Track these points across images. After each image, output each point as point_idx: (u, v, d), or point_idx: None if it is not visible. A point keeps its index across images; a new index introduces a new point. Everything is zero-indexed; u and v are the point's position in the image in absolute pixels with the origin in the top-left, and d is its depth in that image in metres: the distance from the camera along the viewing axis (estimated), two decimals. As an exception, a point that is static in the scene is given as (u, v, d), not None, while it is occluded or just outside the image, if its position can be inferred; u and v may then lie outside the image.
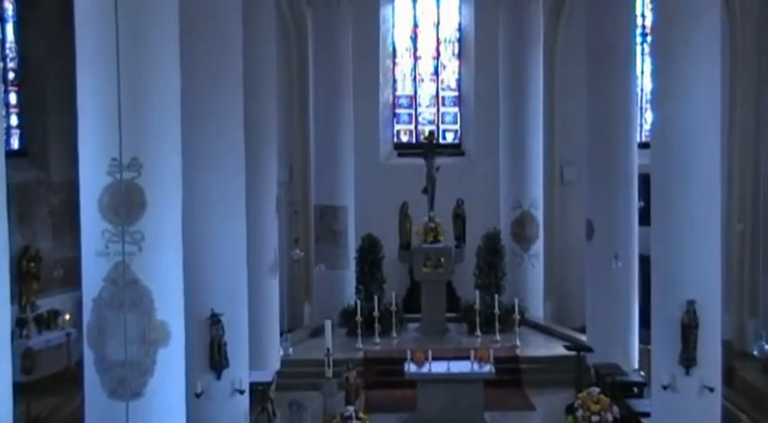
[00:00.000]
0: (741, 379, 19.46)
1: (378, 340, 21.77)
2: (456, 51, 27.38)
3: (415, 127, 27.46)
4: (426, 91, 27.50)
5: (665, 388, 15.19)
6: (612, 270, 19.61)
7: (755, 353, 20.30)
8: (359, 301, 22.20)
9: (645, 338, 18.67)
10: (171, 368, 11.36)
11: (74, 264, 13.75)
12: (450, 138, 27.46)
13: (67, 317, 20.05)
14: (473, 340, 21.88)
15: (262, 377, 17.85)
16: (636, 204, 20.16)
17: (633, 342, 20.23)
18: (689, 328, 14.93)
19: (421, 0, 27.29)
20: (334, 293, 23.62)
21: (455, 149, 26.85)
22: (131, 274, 10.89)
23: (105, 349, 11.01)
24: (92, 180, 11.05)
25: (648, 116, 23.02)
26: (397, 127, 27.49)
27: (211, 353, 14.68)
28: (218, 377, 14.82)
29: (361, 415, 16.38)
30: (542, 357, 21.07)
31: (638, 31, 23.15)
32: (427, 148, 23.68)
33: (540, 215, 24.77)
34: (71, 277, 17.75)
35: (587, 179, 21.15)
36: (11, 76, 21.07)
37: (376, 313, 21.77)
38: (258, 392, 17.46)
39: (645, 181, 17.86)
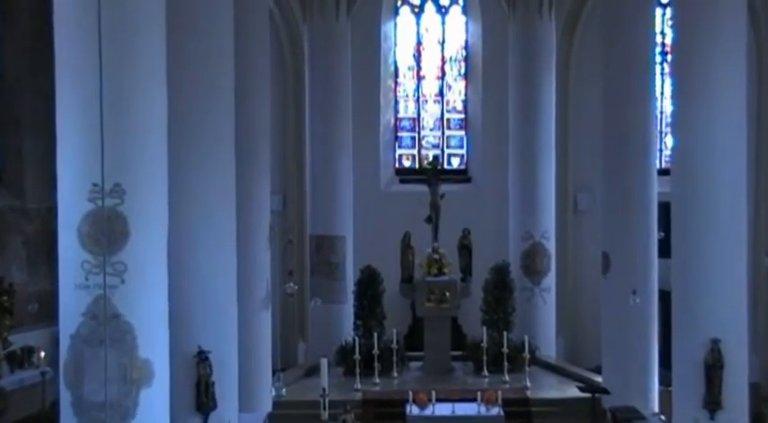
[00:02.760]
0: (769, 424, 19.39)
1: (377, 380, 21.68)
2: (462, 71, 27.46)
3: (419, 151, 27.49)
4: (430, 113, 27.56)
5: (687, 433, 15.14)
6: (630, 306, 19.53)
7: (785, 396, 20.25)
8: (357, 338, 22.13)
9: (665, 380, 18.58)
10: (154, 410, 11.30)
11: (50, 297, 13.72)
12: (455, 163, 27.49)
13: (43, 354, 19.94)
14: (480, 381, 21.79)
15: (252, 420, 17.75)
16: (655, 235, 20.13)
17: (653, 384, 20.14)
18: (713, 369, 14.89)
19: (425, 16, 27.41)
20: (330, 330, 23.57)
21: (461, 176, 26.87)
22: (112, 309, 10.86)
23: (83, 390, 10.96)
24: (71, 207, 11.04)
25: (669, 141, 23.04)
26: (398, 151, 27.53)
27: (198, 393, 14.60)
28: (205, 420, 14.73)
29: (359, 461, 16.31)
30: (554, 399, 20.97)
31: (658, 49, 23.23)
32: (431, 174, 23.70)
33: (552, 246, 24.74)
34: (47, 312, 17.70)
35: (603, 208, 21.12)
36: (-15, 95, 21.12)
37: (376, 351, 21.69)
38: (248, 437, 17.38)
39: (665, 210, 17.84)
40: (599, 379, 21.18)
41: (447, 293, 22.72)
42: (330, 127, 24.19)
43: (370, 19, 26.35)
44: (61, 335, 11.25)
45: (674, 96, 16.22)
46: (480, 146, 27.02)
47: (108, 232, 10.76)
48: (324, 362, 18.16)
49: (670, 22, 21.30)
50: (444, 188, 23.43)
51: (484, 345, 22.08)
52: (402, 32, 27.45)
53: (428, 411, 18.17)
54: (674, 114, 16.42)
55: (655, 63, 21.40)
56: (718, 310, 15.03)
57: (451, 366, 22.91)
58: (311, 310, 24.18)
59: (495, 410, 18.18)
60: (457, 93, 27.54)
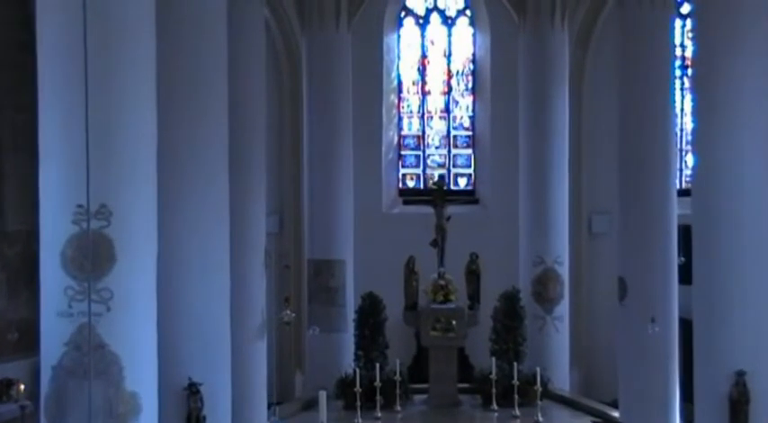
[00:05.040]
0: (799, 463, 19.26)
1: (379, 414, 21.60)
2: (470, 85, 27.50)
3: (423, 171, 27.50)
4: (436, 130, 27.59)
5: (711, 473, 15.06)
6: (648, 335, 19.49)
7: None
8: (358, 370, 22.05)
9: (687, 415, 18.53)
10: (141, 446, 11.25)
11: (31, 326, 13.70)
12: (462, 183, 27.50)
13: (22, 387, 19.92)
14: (489, 415, 21.73)
15: (246, 457, 17.71)
16: (675, 260, 20.11)
17: (673, 419, 20.09)
18: (739, 404, 14.81)
19: (430, 28, 27.48)
20: (329, 360, 23.48)
21: (468, 197, 26.86)
22: (97, 338, 10.81)
23: (66, 425, 10.91)
24: (54, 230, 11.01)
25: (689, 159, 23.03)
26: (402, 171, 27.54)
27: (188, 429, 14.58)
28: (196, 457, 14.69)
29: None
30: (569, 435, 20.97)
31: (677, 62, 23.26)
32: (437, 194, 23.66)
33: (565, 272, 24.68)
34: (27, 341, 17.67)
35: (619, 231, 21.09)
36: (-38, 110, 21.14)
37: (377, 383, 21.61)
38: (241, 475, 17.29)
39: (685, 233, 17.82)
40: (616, 413, 21.13)
41: (453, 322, 22.63)
42: (329, 145, 24.18)
43: (372, 30, 26.41)
44: (42, 366, 11.20)
45: (695, 112, 16.21)
46: (489, 165, 27.01)
47: (93, 257, 10.72)
48: (322, 395, 18.09)
49: (690, 34, 21.31)
50: (450, 210, 23.37)
51: (493, 377, 21.98)
52: (406, 45, 27.50)
53: (434, 448, 18.11)
54: (694, 132, 16.40)
55: (674, 77, 21.44)
56: (743, 340, 14.95)
57: (458, 400, 22.81)
58: (309, 340, 24.11)
59: (506, 447, 18.13)
60: (464, 109, 27.57)
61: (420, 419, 20.85)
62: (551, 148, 24.70)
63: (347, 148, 24.40)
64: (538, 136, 24.76)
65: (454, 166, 27.56)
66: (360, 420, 21.13)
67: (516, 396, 21.58)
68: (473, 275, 23.80)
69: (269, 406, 20.36)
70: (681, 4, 24.28)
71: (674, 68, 21.68)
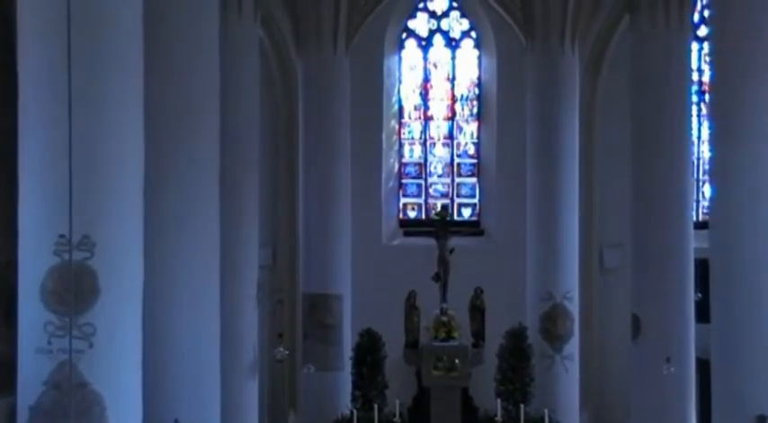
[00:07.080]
0: None
1: (378, 459, 21.56)
2: (474, 111, 27.52)
3: (425, 200, 27.49)
4: (439, 158, 27.58)
5: None
6: (664, 376, 19.44)
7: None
8: (355, 411, 22.00)
9: (704, 461, 18.45)
10: (124, 493, 11.19)
11: (7, 363, 13.60)
12: (466, 214, 27.47)
13: (-1, 428, 19.83)
14: (494, 460, 21.65)
15: None
16: (692, 296, 20.09)
17: (690, 465, 20.03)
18: (759, 450, 14.80)
19: (433, 50, 27.51)
20: (325, 400, 23.40)
21: (473, 228, 26.83)
22: (79, 377, 10.75)
23: (44, 469, 10.85)
24: (33, 260, 10.98)
25: (706, 190, 23.04)
26: (403, 200, 27.52)
27: (174, 473, 14.50)
28: None
29: None
30: (578, 482, 20.86)
31: (694, 88, 23.29)
32: (439, 225, 23.67)
33: (575, 308, 24.59)
34: (4, 380, 17.54)
35: (633, 266, 21.09)
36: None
37: (376, 426, 21.59)
38: None
39: (702, 268, 17.80)
40: (629, 459, 21.06)
41: (457, 361, 22.57)
42: (326, 172, 24.17)
43: (371, 53, 26.44)
44: (19, 406, 11.14)
45: (713, 141, 16.21)
46: (494, 194, 27.00)
47: (75, 290, 10.69)
48: (317, 438, 18.05)
49: (708, 58, 21.37)
50: (454, 242, 23.37)
51: (498, 419, 21.91)
52: (408, 68, 27.53)
53: (435, 495, 18.02)
54: (712, 161, 16.40)
55: (691, 103, 21.47)
56: (764, 382, 14.92)
57: (462, 443, 22.76)
58: (303, 378, 24.01)
59: (511, 494, 18.04)
60: (468, 135, 27.57)
61: (421, 464, 20.77)
62: (561, 178, 24.64)
63: (345, 176, 24.39)
64: (546, 164, 24.70)
65: (458, 196, 27.53)
66: (357, 465, 21.08)
67: (523, 440, 21.54)
68: (477, 311, 23.75)
69: (260, 449, 20.32)
70: (698, 27, 24.34)
71: (691, 94, 21.71)
